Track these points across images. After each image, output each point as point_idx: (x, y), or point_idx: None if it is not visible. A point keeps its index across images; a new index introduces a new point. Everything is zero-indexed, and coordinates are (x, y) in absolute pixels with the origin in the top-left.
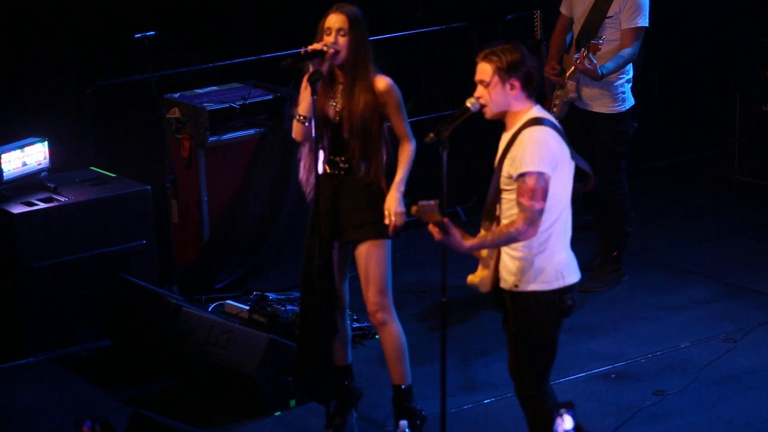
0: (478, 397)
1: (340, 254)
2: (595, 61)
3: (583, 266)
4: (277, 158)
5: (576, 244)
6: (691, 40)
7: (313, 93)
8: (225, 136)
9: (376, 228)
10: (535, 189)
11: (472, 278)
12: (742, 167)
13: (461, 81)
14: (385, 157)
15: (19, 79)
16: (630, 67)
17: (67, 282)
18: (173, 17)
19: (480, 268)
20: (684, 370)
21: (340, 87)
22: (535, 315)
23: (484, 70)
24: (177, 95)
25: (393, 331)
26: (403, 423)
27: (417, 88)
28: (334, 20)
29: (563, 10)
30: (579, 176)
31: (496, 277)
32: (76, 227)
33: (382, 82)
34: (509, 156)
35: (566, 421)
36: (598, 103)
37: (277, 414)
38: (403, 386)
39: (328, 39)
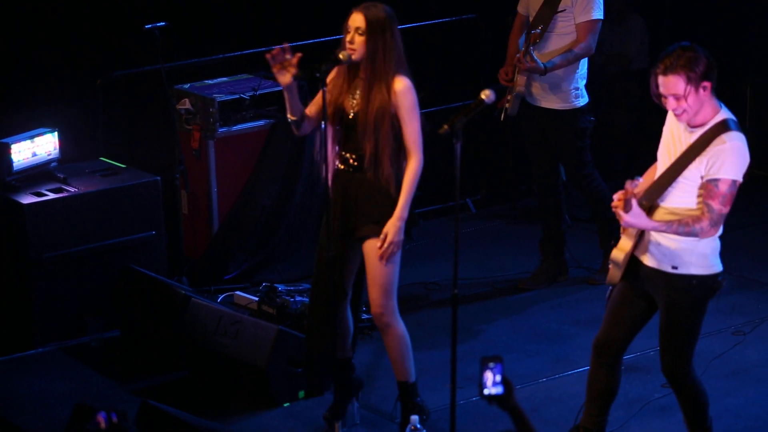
0: None
1: (348, 250)
2: (535, 57)
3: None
4: (287, 149)
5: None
6: (702, 31)
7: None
8: (235, 128)
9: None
10: (726, 195)
11: (617, 253)
12: (753, 160)
13: (472, 73)
14: (396, 164)
15: (29, 69)
16: (584, 62)
17: (77, 273)
18: (184, 8)
19: (623, 238)
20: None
21: (361, 83)
22: (696, 297)
23: (675, 83)
24: (187, 86)
25: (398, 333)
26: (414, 418)
27: (428, 80)
28: (353, 19)
29: (520, 9)
30: None
31: (632, 252)
32: (86, 218)
33: (399, 83)
34: (703, 156)
35: (495, 376)
36: (549, 99)
37: (285, 405)
38: (408, 382)
39: (347, 37)
